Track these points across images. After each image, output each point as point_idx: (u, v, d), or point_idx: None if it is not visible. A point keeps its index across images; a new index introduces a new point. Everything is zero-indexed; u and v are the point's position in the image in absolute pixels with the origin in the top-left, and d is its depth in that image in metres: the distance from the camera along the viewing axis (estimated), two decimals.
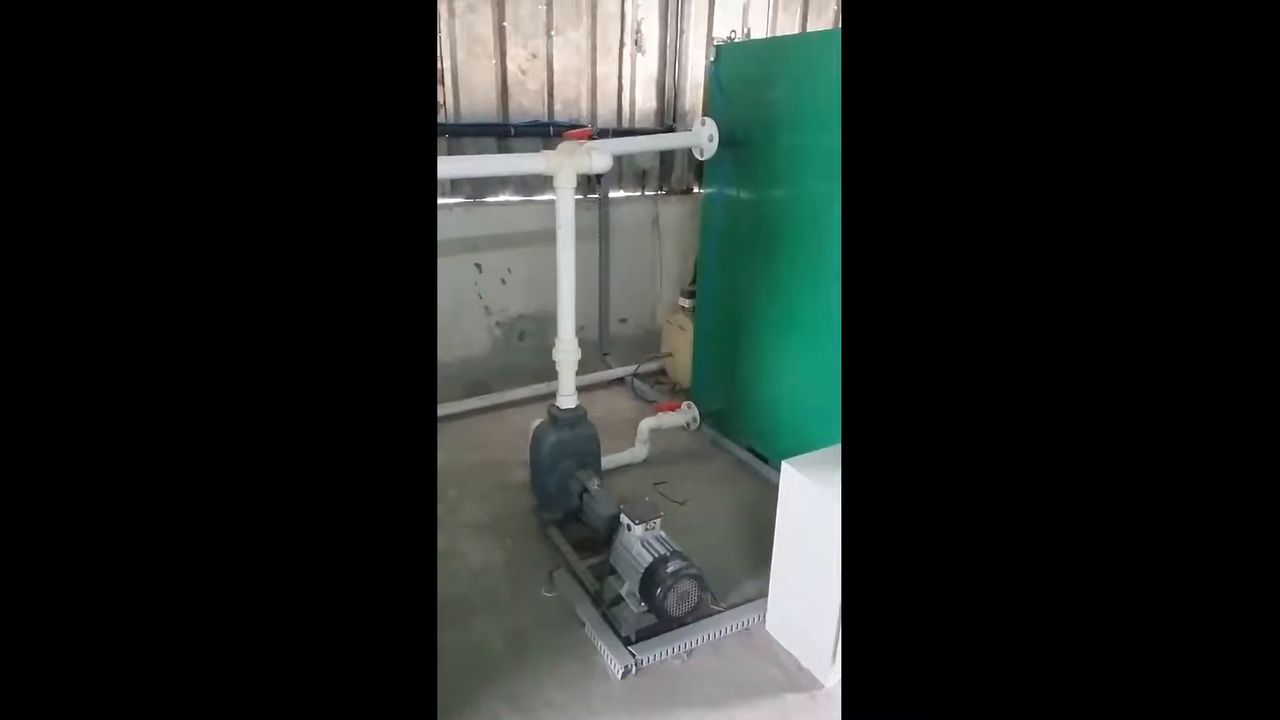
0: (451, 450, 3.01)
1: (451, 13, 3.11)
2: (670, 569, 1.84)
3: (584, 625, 1.99)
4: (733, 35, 2.81)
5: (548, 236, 3.48)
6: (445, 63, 3.17)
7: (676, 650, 1.90)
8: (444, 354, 3.47)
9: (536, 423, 2.51)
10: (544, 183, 3.53)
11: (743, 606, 2.05)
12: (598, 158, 2.18)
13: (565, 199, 2.17)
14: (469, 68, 3.23)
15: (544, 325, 3.71)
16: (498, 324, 3.61)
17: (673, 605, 1.85)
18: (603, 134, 3.25)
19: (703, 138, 2.57)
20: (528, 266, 3.56)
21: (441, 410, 3.26)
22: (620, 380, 3.69)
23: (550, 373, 3.15)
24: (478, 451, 3.00)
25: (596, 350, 3.72)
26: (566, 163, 2.14)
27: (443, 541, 2.41)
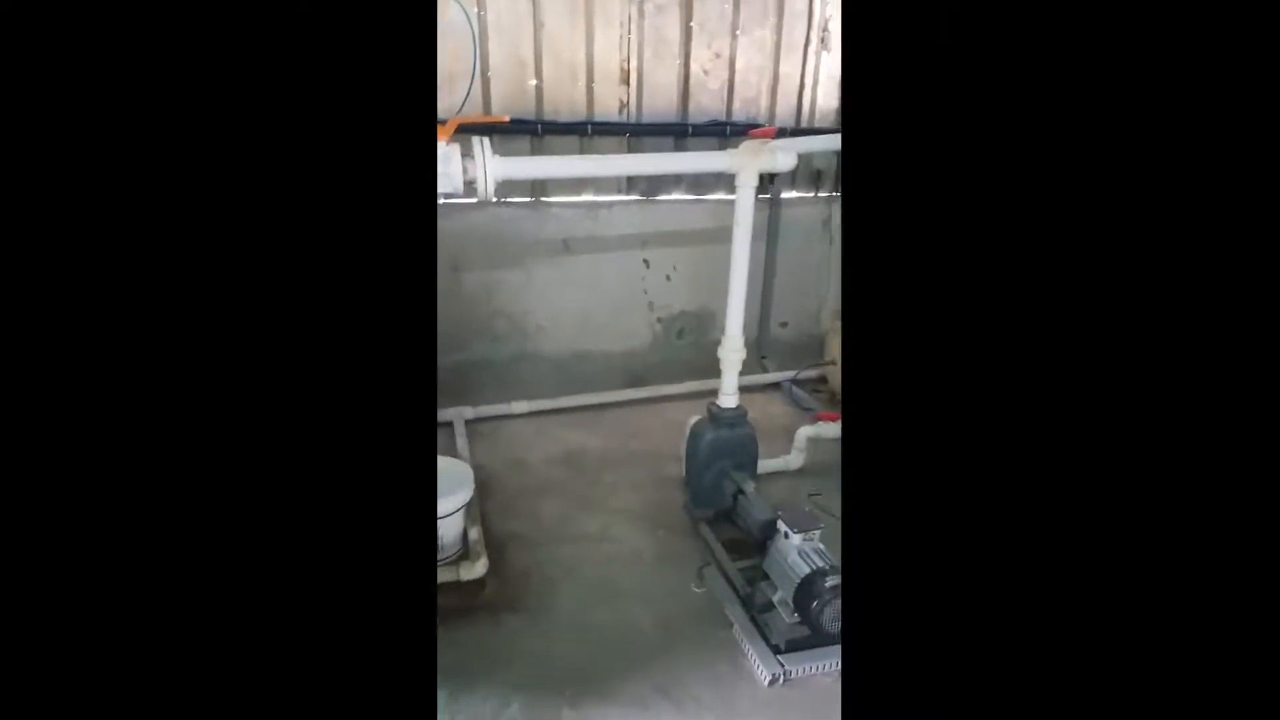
0: (608, 437, 3.12)
1: (641, 14, 3.21)
2: (829, 583, 1.77)
3: (732, 626, 1.98)
4: None
5: (716, 235, 3.51)
6: (631, 63, 3.27)
7: (828, 667, 1.83)
8: (608, 345, 3.60)
9: (695, 419, 2.52)
10: (716, 182, 3.55)
11: None
12: (782, 157, 2.14)
13: (745, 198, 2.16)
14: (653, 68, 3.31)
15: (703, 323, 3.73)
16: (659, 320, 3.68)
17: (828, 620, 1.78)
18: (780, 133, 3.20)
19: None
20: (693, 264, 3.60)
21: (601, 398, 3.39)
22: (776, 385, 3.62)
23: (705, 370, 3.14)
24: (633, 441, 3.08)
25: (754, 353, 3.67)
26: (750, 162, 2.12)
27: (597, 524, 2.50)
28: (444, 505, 2.12)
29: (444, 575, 2.05)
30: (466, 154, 1.84)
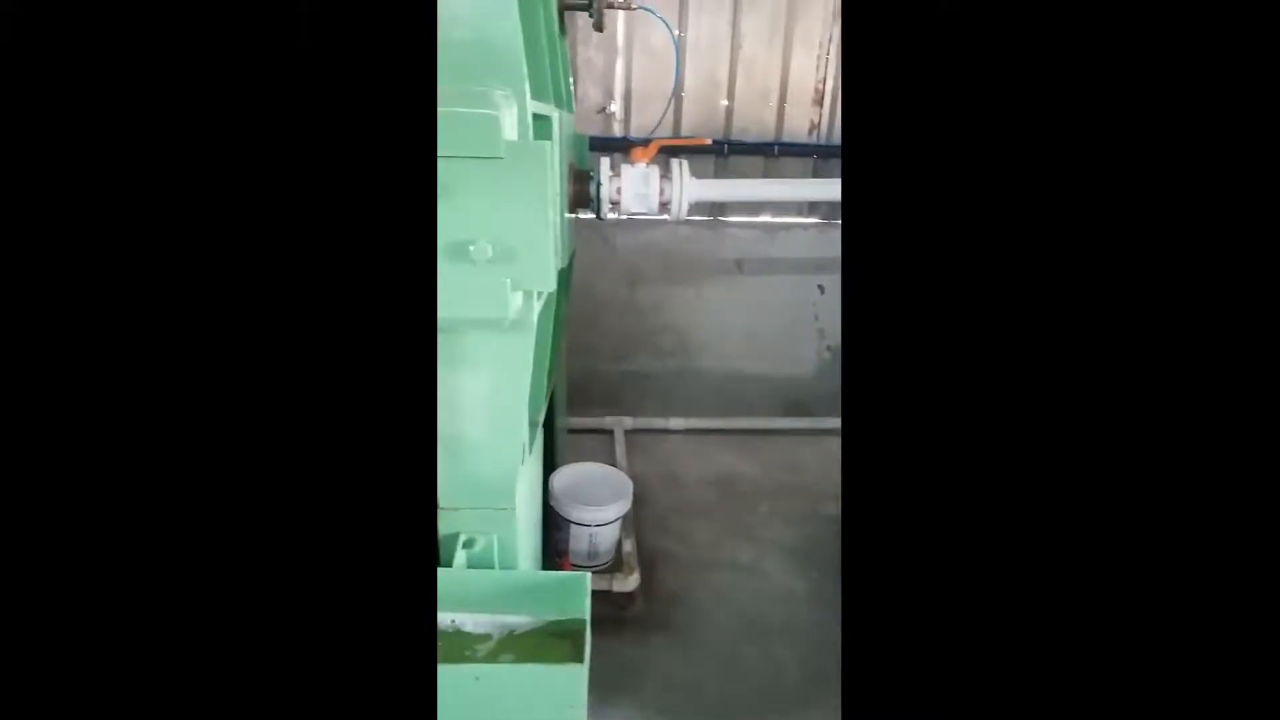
0: (766, 466, 3.04)
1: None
2: None
3: None
4: None
5: None
6: (826, 85, 3.19)
7: None
8: (771, 369, 3.53)
9: None
10: None
11: None
12: None
13: None
14: None
15: None
16: (828, 347, 3.54)
17: None
18: None
19: None
20: None
21: (760, 424, 3.33)
22: None
23: None
24: (791, 473, 2.98)
25: None
26: None
27: (749, 554, 2.44)
28: (604, 514, 2.18)
29: (598, 584, 2.10)
30: (664, 175, 1.87)
